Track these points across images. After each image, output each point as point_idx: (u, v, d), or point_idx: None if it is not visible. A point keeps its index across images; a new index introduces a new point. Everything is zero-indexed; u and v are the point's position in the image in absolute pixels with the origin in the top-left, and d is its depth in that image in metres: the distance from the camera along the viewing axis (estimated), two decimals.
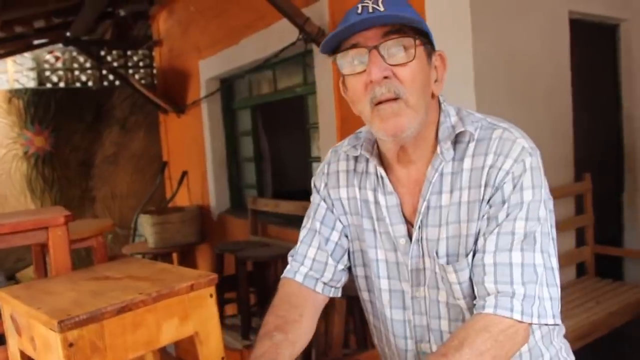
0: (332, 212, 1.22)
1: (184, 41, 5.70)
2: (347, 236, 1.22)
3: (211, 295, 1.39)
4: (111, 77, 6.56)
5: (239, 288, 4.00)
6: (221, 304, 4.27)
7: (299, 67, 4.19)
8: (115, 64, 6.55)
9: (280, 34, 3.82)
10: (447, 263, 1.04)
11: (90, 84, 6.55)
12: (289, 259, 1.26)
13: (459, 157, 1.05)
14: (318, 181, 1.27)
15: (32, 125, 6.09)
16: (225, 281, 4.26)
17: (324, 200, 1.24)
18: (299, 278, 1.21)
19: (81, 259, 5.61)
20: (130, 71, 6.64)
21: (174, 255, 5.48)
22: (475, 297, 1.01)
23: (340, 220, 1.22)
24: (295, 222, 4.28)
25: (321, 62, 3.61)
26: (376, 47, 0.98)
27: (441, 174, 1.05)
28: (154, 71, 6.66)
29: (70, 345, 1.15)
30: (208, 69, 5.26)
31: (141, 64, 6.75)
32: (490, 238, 0.99)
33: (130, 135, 6.65)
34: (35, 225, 1.64)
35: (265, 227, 4.62)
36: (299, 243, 1.26)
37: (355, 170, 1.19)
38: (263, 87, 4.87)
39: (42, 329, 1.21)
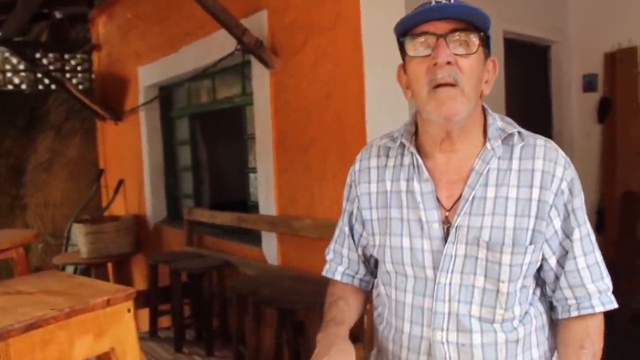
0: (360, 215, 1.30)
1: (123, 46, 5.61)
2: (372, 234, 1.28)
3: (129, 310, 1.37)
4: (46, 80, 6.35)
5: (172, 300, 3.93)
6: (155, 316, 4.20)
7: (238, 77, 4.18)
8: (51, 67, 6.35)
9: (221, 44, 3.80)
10: (489, 249, 1.12)
11: (23, 87, 6.33)
12: (326, 257, 1.41)
13: (506, 156, 1.14)
14: (348, 181, 1.36)
15: None
16: (160, 293, 4.19)
17: (351, 203, 1.33)
18: (337, 277, 1.37)
19: (1, 272, 5.38)
20: (68, 75, 6.45)
21: (109, 266, 5.34)
22: (515, 282, 1.13)
23: (362, 217, 1.30)
24: (231, 233, 4.27)
25: (259, 74, 3.62)
26: (444, 36, 1.08)
27: (489, 168, 1.14)
28: (92, 76, 6.48)
29: None
30: (147, 76, 5.18)
31: (79, 68, 6.57)
32: (576, 244, 1.14)
33: (66, 141, 6.46)
34: None
35: (202, 238, 4.57)
36: (333, 242, 1.40)
37: (386, 165, 1.26)
38: (202, 96, 4.83)
39: None
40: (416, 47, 1.11)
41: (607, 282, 1.16)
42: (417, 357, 1.20)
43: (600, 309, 1.14)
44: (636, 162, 4.02)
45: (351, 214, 1.34)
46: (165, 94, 5.23)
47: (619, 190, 4.03)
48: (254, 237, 3.94)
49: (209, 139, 5.11)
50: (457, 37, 1.08)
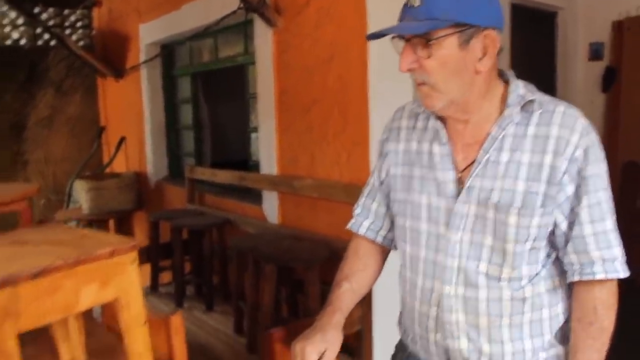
0: (388, 170, 1.39)
1: (124, 3, 5.54)
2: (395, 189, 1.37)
3: (133, 262, 1.40)
4: (46, 36, 6.28)
5: (173, 256, 3.99)
6: (156, 272, 4.26)
7: (240, 36, 4.15)
8: (50, 23, 6.27)
9: (223, 2, 3.77)
10: (499, 210, 1.17)
11: (22, 42, 6.27)
12: (354, 212, 1.49)
13: (523, 122, 1.18)
14: (381, 138, 1.45)
15: None
16: (161, 249, 4.25)
17: (383, 159, 1.42)
18: (362, 231, 1.46)
19: (7, 225, 5.43)
20: (68, 31, 6.36)
21: (110, 222, 5.39)
22: (523, 243, 1.17)
23: (389, 172, 1.39)
24: (232, 191, 4.30)
25: (261, 33, 3.59)
26: (408, 40, 1.16)
27: (504, 134, 1.18)
28: (93, 33, 6.42)
29: None
30: (148, 34, 5.13)
31: (79, 24, 6.48)
32: (584, 211, 1.15)
33: (67, 98, 6.42)
34: None
35: (202, 196, 4.61)
36: (362, 197, 1.48)
37: (415, 127, 1.35)
38: (204, 54, 4.80)
39: None
40: (394, 47, 1.23)
41: (616, 252, 1.17)
42: (428, 308, 1.29)
43: (601, 276, 1.16)
44: (639, 132, 4.03)
45: (381, 169, 1.43)
46: (167, 53, 5.19)
47: (620, 159, 4.05)
48: (254, 196, 3.98)
49: (211, 98, 5.10)
50: (417, 40, 1.14)
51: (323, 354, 1.28)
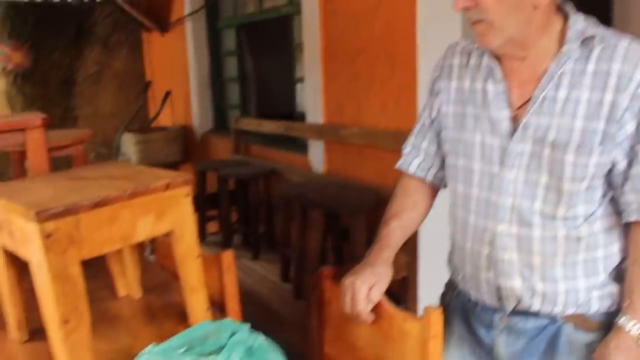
0: (440, 108, 1.37)
1: None
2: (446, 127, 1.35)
3: (187, 195, 1.42)
4: None
5: (220, 205, 4.06)
6: (203, 221, 4.35)
7: None
8: None
9: None
10: (556, 148, 1.13)
11: None
12: (403, 150, 1.47)
13: (583, 58, 1.13)
14: (432, 76, 1.41)
15: (9, 40, 5.90)
16: (208, 199, 4.32)
17: (434, 96, 1.39)
18: (411, 170, 1.44)
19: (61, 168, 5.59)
20: None
21: None
22: (580, 182, 1.13)
23: (441, 110, 1.36)
24: (277, 141, 4.32)
25: None
26: None
27: (562, 70, 1.14)
28: None
29: (48, 236, 1.18)
30: None
31: None
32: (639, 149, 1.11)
33: (113, 53, 6.49)
34: (12, 127, 1.65)
35: (248, 147, 4.64)
36: (412, 136, 1.46)
37: (467, 64, 1.31)
38: (248, 6, 4.76)
39: (20, 222, 1.24)
40: None
41: None
42: (480, 247, 1.27)
43: None
44: None
45: (432, 107, 1.40)
46: (211, 5, 5.17)
47: None
48: (300, 146, 3.98)
49: (256, 49, 5.08)
50: None
51: (372, 287, 1.28)
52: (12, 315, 1.48)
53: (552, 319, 1.24)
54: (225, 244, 3.99)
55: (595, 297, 1.22)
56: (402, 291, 2.87)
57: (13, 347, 1.48)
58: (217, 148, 5.14)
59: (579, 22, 1.15)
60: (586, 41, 1.13)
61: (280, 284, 3.37)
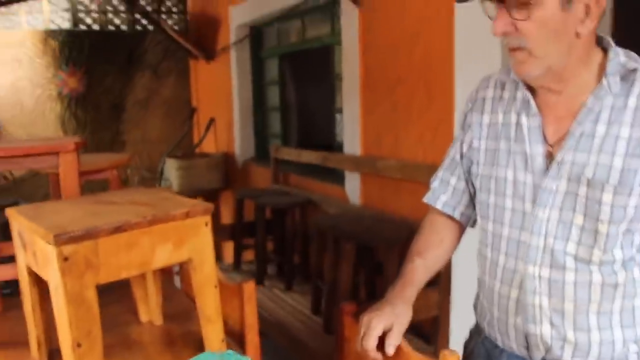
0: (471, 143, 1.32)
1: None
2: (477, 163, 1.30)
3: (206, 224, 1.42)
4: (144, 21, 6.55)
5: (256, 234, 4.06)
6: (239, 249, 4.36)
7: (327, 16, 4.13)
8: (148, 8, 6.53)
9: None
10: (593, 187, 1.08)
11: (123, 27, 6.57)
12: (431, 184, 1.43)
13: (623, 93, 1.08)
14: (464, 109, 1.37)
15: (67, 66, 6.14)
16: (245, 227, 4.33)
17: (465, 131, 1.35)
18: (439, 205, 1.39)
19: (97, 191, 5.71)
20: (164, 16, 6.62)
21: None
22: (618, 224, 1.07)
23: (472, 145, 1.32)
24: (315, 172, 4.32)
25: (348, 12, 3.56)
26: (502, 1, 1.05)
27: (601, 106, 1.08)
28: (187, 17, 6.63)
29: (66, 259, 1.19)
30: (238, 15, 5.22)
31: (174, 9, 6.72)
32: None
33: (161, 80, 6.67)
34: (47, 150, 1.69)
35: (287, 176, 4.65)
36: (441, 170, 1.42)
37: (501, 97, 1.27)
38: (291, 36, 4.83)
39: (42, 243, 1.26)
40: (484, 10, 1.13)
41: None
42: (509, 290, 1.21)
43: None
44: None
45: (463, 141, 1.36)
46: (256, 34, 5.26)
47: None
48: (337, 177, 3.96)
49: (298, 79, 5.13)
50: (514, 0, 1.04)
51: (391, 328, 1.24)
52: (33, 335, 1.50)
53: None
54: (260, 274, 3.98)
55: (633, 352, 1.14)
56: (433, 330, 2.79)
57: None
58: (257, 176, 5.18)
59: (620, 56, 1.10)
60: (627, 75, 1.08)
61: (311, 317, 3.32)
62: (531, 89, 1.18)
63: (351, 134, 3.64)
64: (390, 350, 1.23)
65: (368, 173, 3.47)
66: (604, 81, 1.07)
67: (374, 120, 3.43)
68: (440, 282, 2.71)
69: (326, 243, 3.12)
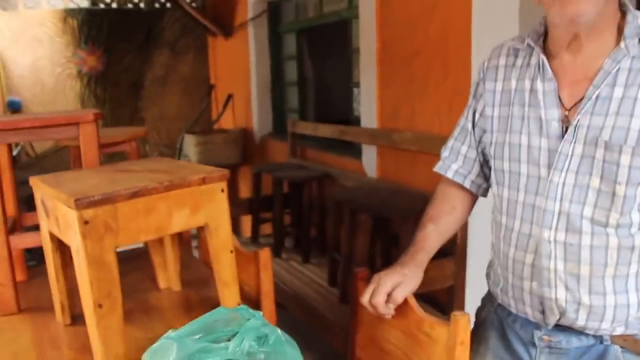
0: (484, 111, 1.32)
1: None
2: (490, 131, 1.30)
3: (222, 190, 1.45)
4: None
5: (274, 207, 4.10)
6: (257, 223, 4.41)
7: None
8: None
9: None
10: (610, 150, 1.07)
11: (141, 5, 6.58)
12: (442, 154, 1.44)
13: None
14: (475, 78, 1.37)
15: (86, 44, 6.19)
16: (262, 202, 4.38)
17: (477, 100, 1.35)
18: (449, 174, 1.41)
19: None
20: None
21: None
22: (635, 186, 1.07)
23: (484, 114, 1.32)
24: (332, 146, 4.33)
25: None
26: None
27: (619, 68, 1.08)
28: None
29: (86, 222, 1.23)
30: None
31: None
32: None
33: (180, 57, 6.70)
34: (66, 121, 1.72)
35: (304, 150, 4.68)
36: (451, 139, 1.42)
37: (514, 64, 1.26)
38: (309, 10, 4.81)
39: (63, 209, 1.30)
40: None
41: None
42: (524, 255, 1.21)
43: None
44: None
45: (475, 110, 1.36)
46: (273, 9, 5.25)
47: None
48: (354, 150, 3.98)
49: (315, 54, 5.12)
50: None
51: (397, 287, 1.28)
52: (57, 299, 1.56)
53: (599, 338, 1.18)
54: (277, 247, 4.03)
55: None
56: (448, 300, 2.81)
57: (56, 330, 1.55)
58: (274, 151, 5.21)
59: (638, 19, 1.09)
60: None
61: (328, 288, 3.37)
62: (546, 54, 1.17)
63: (368, 107, 3.64)
64: (396, 300, 1.27)
65: (384, 146, 3.48)
66: (622, 44, 1.07)
67: (391, 94, 3.42)
68: (456, 253, 2.72)
69: (343, 216, 3.15)
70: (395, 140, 3.29)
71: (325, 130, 4.21)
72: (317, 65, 5.13)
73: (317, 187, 3.97)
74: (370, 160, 3.65)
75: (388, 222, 3.04)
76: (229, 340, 0.95)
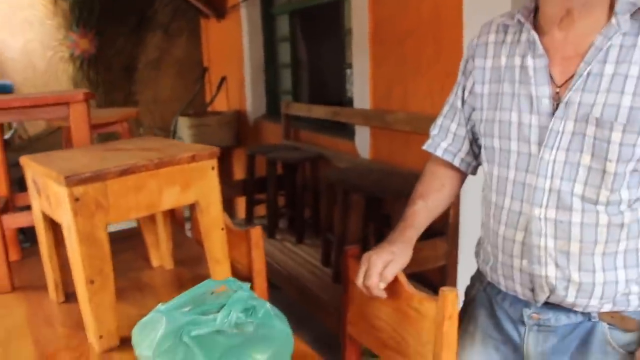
0: (473, 89, 1.31)
1: None
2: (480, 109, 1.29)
3: (213, 168, 1.46)
4: None
5: (267, 188, 4.11)
6: (251, 204, 4.42)
7: None
8: None
9: None
10: (601, 127, 1.07)
11: None
12: (431, 132, 1.43)
13: (633, 32, 1.06)
14: (465, 55, 1.36)
15: (77, 27, 6.13)
16: (257, 183, 4.39)
17: (466, 77, 1.34)
18: (439, 152, 1.40)
19: None
20: None
21: None
22: (626, 163, 1.07)
23: (473, 91, 1.31)
24: (326, 127, 4.33)
25: None
26: None
27: (610, 45, 1.07)
28: None
29: (77, 200, 1.24)
30: None
31: None
32: None
33: (173, 40, 6.66)
34: (57, 101, 1.72)
35: (298, 132, 4.68)
36: (440, 117, 1.42)
37: (504, 41, 1.25)
38: None
39: (54, 186, 1.31)
40: None
41: None
42: (514, 233, 1.21)
43: None
44: None
45: (464, 88, 1.35)
46: None
47: None
48: (347, 131, 3.98)
49: (309, 35, 5.09)
50: None
51: (388, 265, 1.29)
52: (50, 277, 1.57)
53: (587, 316, 1.19)
54: (271, 228, 4.05)
55: (634, 292, 1.16)
56: (441, 280, 2.83)
57: (50, 307, 1.56)
58: (268, 133, 5.21)
59: None
60: (637, 13, 1.06)
61: (321, 268, 3.39)
62: (537, 31, 1.17)
63: (361, 88, 3.64)
64: (387, 278, 1.28)
65: (377, 127, 3.48)
66: (613, 20, 1.06)
67: (383, 74, 3.42)
68: (448, 232, 2.74)
69: (336, 196, 3.16)
70: (388, 121, 3.30)
71: (319, 112, 4.21)
72: (310, 46, 5.11)
73: (311, 169, 3.98)
74: (363, 141, 3.66)
75: (381, 202, 3.06)
76: (217, 312, 0.96)
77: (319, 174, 3.96)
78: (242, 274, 1.73)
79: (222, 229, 1.48)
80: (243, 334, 0.93)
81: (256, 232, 1.68)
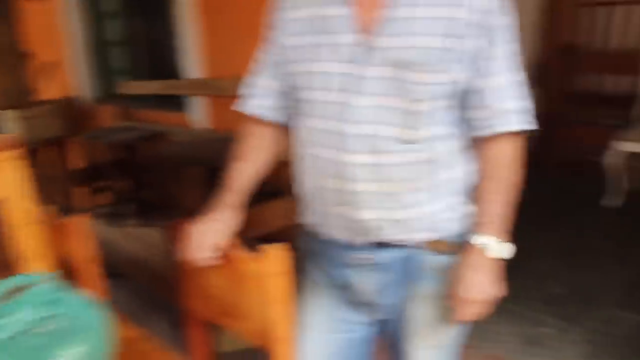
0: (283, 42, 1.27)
1: None
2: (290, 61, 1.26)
3: (17, 159, 1.34)
4: None
5: (107, 173, 3.93)
6: (92, 193, 4.20)
7: None
8: None
9: None
10: (411, 69, 1.10)
11: None
12: (241, 92, 1.38)
13: None
14: (272, 8, 1.30)
15: None
16: (96, 170, 4.18)
17: (275, 30, 1.29)
18: (248, 110, 1.37)
19: None
20: None
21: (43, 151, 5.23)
22: (435, 101, 1.13)
23: (282, 44, 1.27)
24: (162, 103, 4.21)
25: None
26: None
27: None
28: None
29: None
30: None
31: None
32: (492, 62, 1.13)
33: None
34: None
35: (135, 112, 4.51)
36: (251, 76, 1.37)
37: None
38: None
39: None
40: None
41: (520, 104, 1.16)
42: (327, 181, 1.22)
43: (505, 128, 1.16)
44: (578, 15, 4.02)
45: (273, 41, 1.31)
46: None
47: (559, 43, 4.05)
48: (183, 104, 3.89)
49: (138, 10, 4.84)
50: None
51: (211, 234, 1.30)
52: None
53: (408, 246, 1.24)
54: (116, 215, 3.88)
55: (452, 217, 1.23)
56: (282, 240, 2.87)
57: None
58: (105, 116, 4.94)
59: None
60: None
61: (170, 249, 3.31)
62: None
63: (192, 58, 3.56)
64: (216, 247, 1.30)
65: (213, 96, 3.44)
66: None
67: (214, 43, 3.36)
68: (285, 192, 2.78)
69: (178, 173, 3.09)
70: (221, 87, 3.26)
71: (153, 87, 4.07)
72: (144, 22, 4.87)
73: (151, 148, 3.85)
74: (199, 112, 3.60)
75: (219, 170, 3.03)
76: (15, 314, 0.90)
77: (161, 151, 3.85)
78: (72, 268, 1.65)
79: (34, 224, 1.39)
80: (47, 332, 0.88)
81: (77, 221, 1.59)
